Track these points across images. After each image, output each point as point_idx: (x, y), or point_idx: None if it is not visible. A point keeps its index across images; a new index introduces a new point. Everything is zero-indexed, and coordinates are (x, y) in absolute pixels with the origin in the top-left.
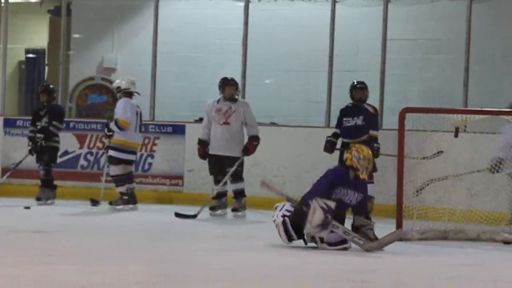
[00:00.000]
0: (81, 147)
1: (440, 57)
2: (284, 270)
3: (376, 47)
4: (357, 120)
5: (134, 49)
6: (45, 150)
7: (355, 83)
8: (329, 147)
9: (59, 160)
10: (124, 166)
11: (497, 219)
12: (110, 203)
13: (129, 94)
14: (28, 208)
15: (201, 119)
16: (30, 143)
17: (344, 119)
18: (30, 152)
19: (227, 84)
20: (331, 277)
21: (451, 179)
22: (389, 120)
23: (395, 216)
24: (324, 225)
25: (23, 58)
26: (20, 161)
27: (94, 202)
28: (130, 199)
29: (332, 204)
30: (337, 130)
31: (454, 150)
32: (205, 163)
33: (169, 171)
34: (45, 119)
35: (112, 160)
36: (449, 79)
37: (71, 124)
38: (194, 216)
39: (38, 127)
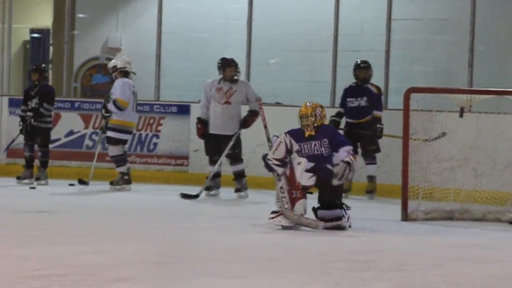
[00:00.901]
0: (86, 127)
1: (445, 37)
2: (288, 250)
3: (380, 27)
4: (360, 101)
5: (139, 29)
6: (37, 132)
7: (359, 62)
8: (333, 126)
9: (64, 140)
10: (122, 146)
11: (502, 199)
12: (111, 183)
13: (125, 73)
14: (34, 188)
15: None
16: (21, 123)
17: (348, 99)
18: (21, 131)
19: (227, 65)
20: (335, 257)
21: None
22: (394, 100)
23: (400, 196)
24: (283, 163)
25: (27, 38)
26: (13, 141)
27: (82, 182)
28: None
29: (297, 152)
30: (341, 109)
31: (459, 130)
32: None
33: (174, 151)
34: (35, 100)
35: (111, 141)
36: (454, 59)
37: (76, 104)
38: (196, 196)
39: (29, 106)
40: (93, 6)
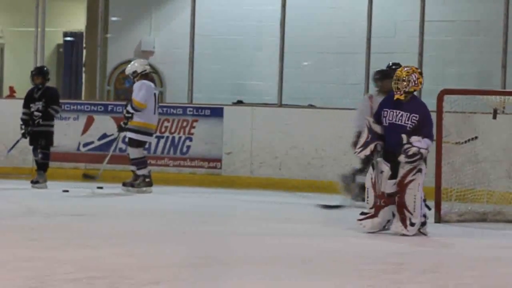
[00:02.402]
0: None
1: (478, 38)
2: (322, 252)
3: (413, 29)
4: None
5: (172, 32)
6: (42, 135)
7: (391, 64)
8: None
9: (97, 143)
10: (143, 148)
11: None
12: (132, 186)
13: (145, 76)
14: (67, 191)
15: (239, 102)
16: (23, 126)
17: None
18: (24, 135)
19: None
20: (370, 259)
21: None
22: (427, 101)
23: (433, 198)
24: (365, 144)
25: (61, 41)
26: (14, 145)
27: (88, 176)
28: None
29: (375, 127)
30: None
31: (492, 131)
32: (243, 146)
33: (207, 153)
34: (41, 103)
35: (132, 143)
36: (487, 60)
37: (109, 107)
38: (336, 207)
39: (32, 109)
40: (126, 9)
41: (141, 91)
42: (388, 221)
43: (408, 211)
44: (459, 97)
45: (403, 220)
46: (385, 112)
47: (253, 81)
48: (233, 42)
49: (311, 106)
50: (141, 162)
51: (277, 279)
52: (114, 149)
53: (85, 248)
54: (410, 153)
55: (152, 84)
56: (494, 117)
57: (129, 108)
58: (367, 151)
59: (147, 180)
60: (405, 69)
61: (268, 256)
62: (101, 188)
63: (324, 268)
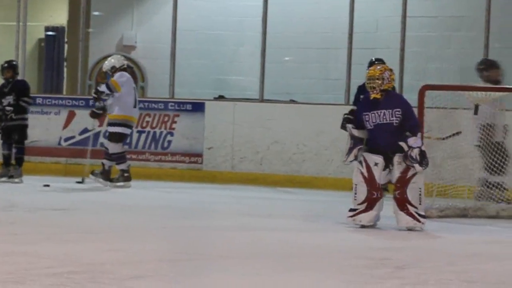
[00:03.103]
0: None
1: (460, 34)
2: (302, 247)
3: (395, 24)
4: None
5: (154, 27)
6: (15, 129)
7: (373, 59)
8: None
9: (78, 138)
10: (123, 144)
11: None
12: (111, 180)
13: (124, 70)
14: (48, 186)
15: (221, 97)
16: None
17: (361, 96)
18: None
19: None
20: (350, 254)
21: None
22: (409, 97)
23: None
24: (349, 152)
25: (43, 36)
26: None
27: (81, 181)
28: (103, 175)
29: (356, 132)
30: (354, 107)
31: (474, 127)
32: (225, 141)
33: (188, 148)
34: (11, 96)
35: (113, 137)
36: (469, 56)
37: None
38: None
39: (4, 104)
40: (108, 4)
41: (122, 78)
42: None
43: (412, 205)
44: (441, 93)
45: (411, 215)
46: (367, 116)
47: (235, 76)
48: (215, 37)
49: (292, 102)
50: (120, 157)
51: (258, 274)
52: (93, 143)
53: (66, 242)
54: (415, 156)
55: (130, 77)
56: (476, 113)
57: (102, 87)
58: (351, 157)
59: (125, 175)
60: (377, 68)
61: (249, 251)
62: (80, 182)
63: (305, 263)
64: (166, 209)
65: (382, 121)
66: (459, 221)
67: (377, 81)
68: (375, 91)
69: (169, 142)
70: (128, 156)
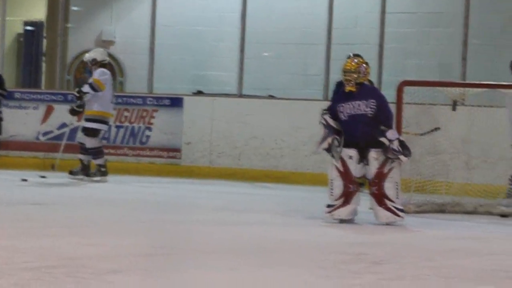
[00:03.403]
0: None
1: (439, 30)
2: (281, 242)
3: (374, 20)
4: None
5: (133, 22)
6: None
7: (351, 55)
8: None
9: (56, 132)
10: (100, 138)
11: (494, 192)
12: (88, 175)
13: (103, 66)
14: (26, 180)
15: (199, 92)
16: None
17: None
18: None
19: None
20: (328, 249)
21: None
22: (387, 93)
23: None
24: (322, 140)
25: (21, 30)
26: None
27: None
28: (82, 171)
29: (332, 122)
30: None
31: (452, 123)
32: (203, 136)
33: (166, 143)
34: None
35: (90, 132)
36: (447, 52)
37: (69, 97)
38: None
39: None
40: None
41: (102, 76)
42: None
43: (390, 199)
44: (419, 89)
45: (389, 210)
46: (341, 107)
47: (214, 71)
48: (193, 32)
49: (271, 97)
50: (97, 152)
51: (235, 269)
52: (68, 137)
53: (44, 237)
54: (397, 148)
55: (109, 73)
56: (454, 109)
57: (85, 87)
58: (324, 145)
59: (102, 170)
60: (354, 61)
61: (227, 246)
62: (43, 177)
63: (282, 258)
64: (144, 204)
65: (357, 112)
66: (436, 216)
67: (353, 74)
68: (350, 84)
69: (148, 137)
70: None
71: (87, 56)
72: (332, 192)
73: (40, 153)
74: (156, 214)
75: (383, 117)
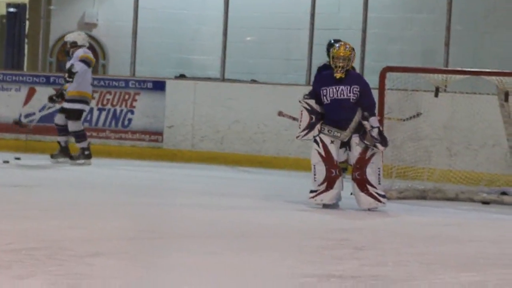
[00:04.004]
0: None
1: (422, 16)
2: (262, 227)
3: (357, 5)
4: None
5: (115, 5)
6: None
7: (332, 41)
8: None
9: (39, 114)
10: (81, 121)
11: (476, 179)
12: (71, 158)
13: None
14: (7, 162)
15: (182, 76)
16: None
17: None
18: None
19: None
20: (310, 234)
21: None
22: (370, 79)
23: None
24: (311, 126)
25: (4, 12)
26: None
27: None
28: (61, 153)
29: (317, 107)
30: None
31: (434, 109)
32: (185, 120)
33: (149, 127)
34: None
35: (72, 115)
36: (430, 38)
37: (52, 79)
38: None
39: None
40: None
41: (89, 53)
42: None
43: (372, 185)
44: (402, 75)
45: (371, 195)
46: (325, 91)
47: (196, 55)
48: (176, 15)
49: (254, 81)
50: (80, 135)
51: (217, 253)
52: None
53: (25, 219)
54: (376, 136)
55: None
56: (436, 95)
57: (77, 67)
58: (315, 132)
59: (86, 153)
60: (347, 47)
61: (208, 230)
62: (18, 159)
63: (264, 243)
64: (126, 187)
65: (340, 96)
66: (418, 203)
67: (346, 61)
68: (341, 71)
69: (130, 120)
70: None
71: (70, 37)
72: (315, 178)
73: (22, 135)
74: (138, 198)
75: (366, 103)
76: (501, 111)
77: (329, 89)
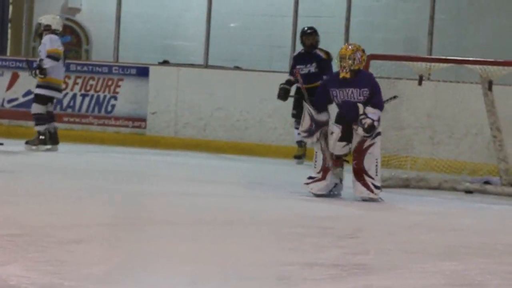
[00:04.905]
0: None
1: (406, 4)
2: (244, 215)
3: None
4: (310, 68)
5: None
6: None
7: (305, 29)
8: (283, 94)
9: (22, 100)
10: (46, 105)
11: (459, 168)
12: (27, 142)
13: (53, 32)
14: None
15: (165, 62)
16: None
17: (297, 66)
18: None
19: None
20: (292, 222)
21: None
22: None
23: None
24: (309, 132)
25: None
26: None
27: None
28: (50, 140)
29: (318, 116)
30: (291, 77)
31: (418, 98)
32: (168, 106)
33: (132, 113)
34: None
35: (40, 99)
36: (414, 26)
37: (34, 64)
38: None
39: None
40: None
41: (54, 43)
42: (336, 184)
43: (369, 176)
44: (385, 63)
45: (365, 185)
46: (334, 92)
47: (180, 41)
48: (160, 1)
49: (237, 68)
50: (40, 119)
51: (198, 240)
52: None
53: (6, 205)
54: (366, 126)
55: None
56: (420, 84)
57: (46, 62)
58: (313, 139)
59: (40, 137)
60: (350, 47)
61: (190, 217)
62: (1, 144)
63: (245, 230)
64: (108, 173)
65: (350, 99)
66: (401, 191)
67: (348, 60)
68: (344, 70)
69: (113, 106)
70: (71, 119)
71: (44, 20)
72: (315, 165)
73: (5, 120)
74: (120, 184)
75: (373, 103)
76: (484, 100)
77: (339, 92)
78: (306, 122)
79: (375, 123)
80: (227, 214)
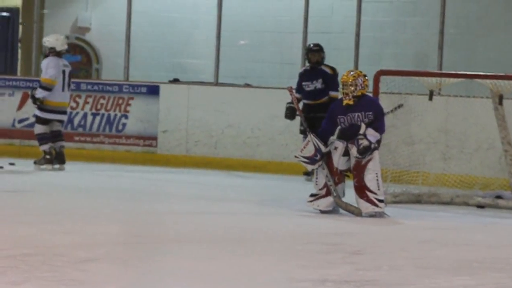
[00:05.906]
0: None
1: (415, 19)
2: (257, 232)
3: (351, 9)
4: (316, 84)
5: (109, 9)
6: None
7: (311, 45)
8: (289, 114)
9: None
10: (49, 125)
11: (471, 183)
12: (35, 162)
13: (58, 53)
14: (1, 167)
15: (175, 80)
16: None
17: (303, 83)
18: None
19: None
20: (304, 239)
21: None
22: None
23: None
24: (311, 160)
25: None
26: None
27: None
28: (56, 159)
29: (323, 148)
30: (298, 95)
31: (429, 113)
32: (179, 124)
33: (143, 131)
34: None
35: (39, 120)
36: (424, 41)
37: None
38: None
39: None
40: None
41: (48, 69)
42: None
43: (371, 191)
44: (396, 78)
45: (369, 201)
46: (342, 119)
47: (190, 59)
48: (170, 19)
49: (247, 85)
50: (43, 138)
51: (211, 258)
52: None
53: (19, 225)
54: (361, 147)
55: (61, 61)
56: (430, 99)
57: (38, 93)
58: (314, 167)
59: (47, 157)
60: (351, 73)
61: (202, 235)
62: (13, 164)
63: (258, 247)
64: (120, 192)
65: (356, 122)
66: (413, 207)
67: (350, 87)
68: (347, 97)
69: (124, 125)
70: (82, 139)
71: (47, 42)
72: (316, 182)
73: (16, 140)
74: (132, 203)
75: (375, 126)
76: (495, 114)
77: (346, 118)
78: (309, 150)
79: (372, 145)
80: (240, 231)
